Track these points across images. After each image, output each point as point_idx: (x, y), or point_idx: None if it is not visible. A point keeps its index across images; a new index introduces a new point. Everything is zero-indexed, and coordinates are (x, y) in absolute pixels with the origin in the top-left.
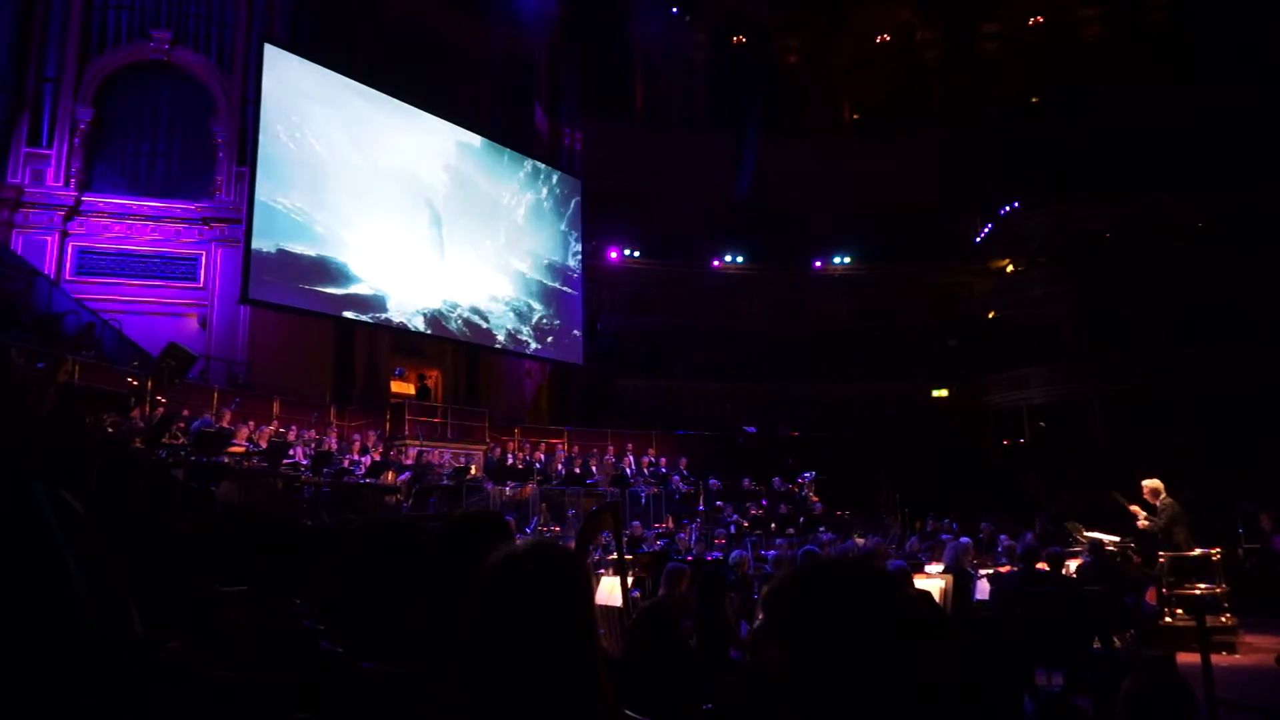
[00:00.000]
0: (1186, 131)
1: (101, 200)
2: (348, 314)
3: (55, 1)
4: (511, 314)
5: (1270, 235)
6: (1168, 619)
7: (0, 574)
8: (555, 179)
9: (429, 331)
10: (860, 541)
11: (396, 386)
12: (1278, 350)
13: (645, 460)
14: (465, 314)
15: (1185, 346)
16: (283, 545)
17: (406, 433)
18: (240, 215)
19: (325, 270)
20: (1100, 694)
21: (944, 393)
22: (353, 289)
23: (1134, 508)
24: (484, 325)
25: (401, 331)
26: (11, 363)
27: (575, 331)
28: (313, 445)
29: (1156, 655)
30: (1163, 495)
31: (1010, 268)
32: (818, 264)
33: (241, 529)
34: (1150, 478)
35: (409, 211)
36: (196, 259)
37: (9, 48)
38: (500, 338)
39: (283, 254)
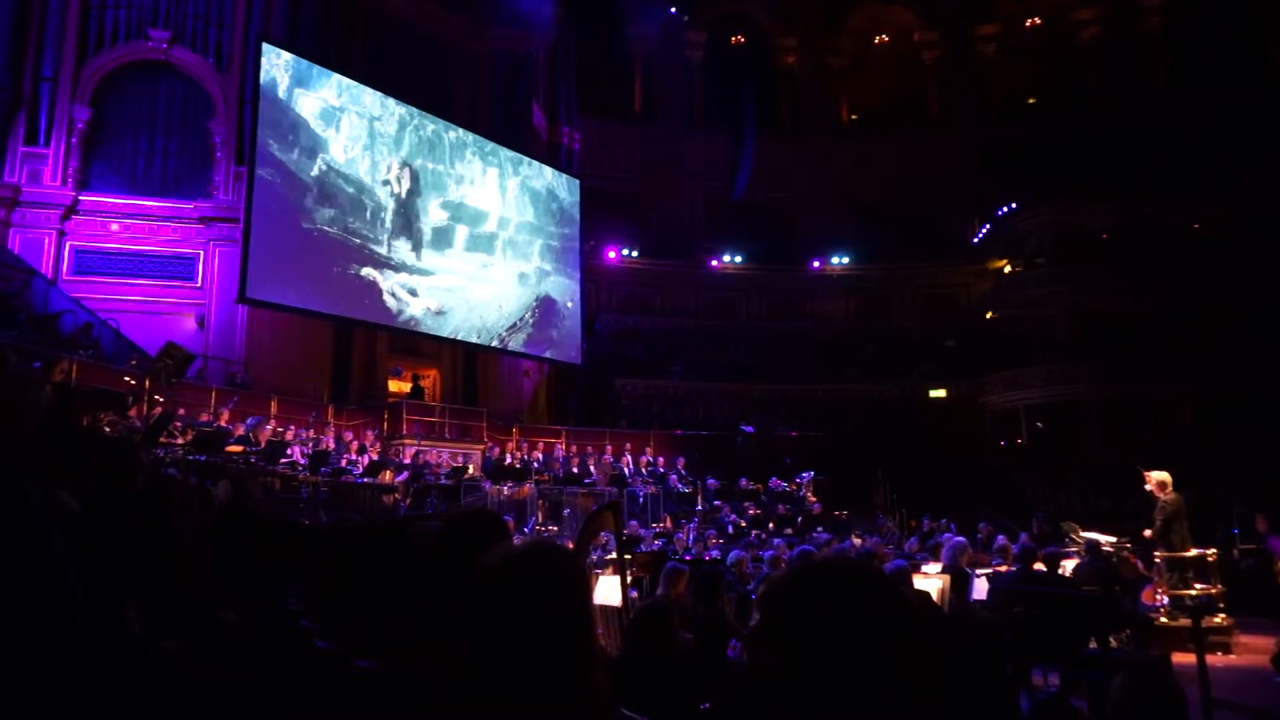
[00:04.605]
0: (1183, 132)
1: (99, 200)
2: (345, 313)
3: (52, 1)
4: (510, 313)
5: (1268, 236)
6: (1164, 619)
7: None
8: (553, 178)
9: (427, 331)
10: (858, 542)
11: (394, 386)
12: (1275, 352)
13: (643, 460)
14: (463, 313)
15: (1182, 347)
16: (280, 544)
17: (404, 432)
18: (238, 214)
19: (323, 269)
20: (1096, 694)
21: (942, 393)
22: (351, 288)
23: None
24: (482, 324)
25: (399, 331)
26: (7, 362)
27: (573, 331)
28: (310, 444)
29: (1152, 655)
30: (1169, 489)
31: (1008, 268)
32: (816, 264)
33: (238, 528)
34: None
35: (406, 210)
36: (194, 258)
37: (6, 47)
38: (498, 337)
39: (281, 252)
